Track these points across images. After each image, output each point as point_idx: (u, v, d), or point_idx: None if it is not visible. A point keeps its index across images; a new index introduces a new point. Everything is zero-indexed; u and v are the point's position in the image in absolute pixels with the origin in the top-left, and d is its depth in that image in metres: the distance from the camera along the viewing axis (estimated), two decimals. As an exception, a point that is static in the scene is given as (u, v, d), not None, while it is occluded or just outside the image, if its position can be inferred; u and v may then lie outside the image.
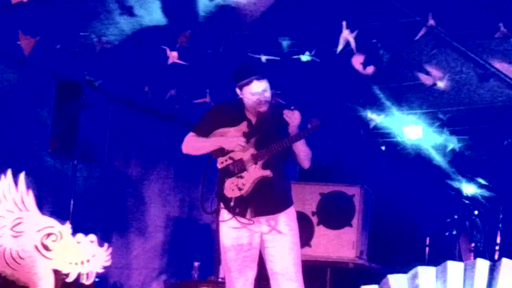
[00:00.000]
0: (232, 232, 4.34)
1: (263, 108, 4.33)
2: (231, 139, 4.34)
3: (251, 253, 4.35)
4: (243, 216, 4.30)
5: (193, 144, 4.47)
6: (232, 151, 4.35)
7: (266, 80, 4.31)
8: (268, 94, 4.32)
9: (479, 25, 4.70)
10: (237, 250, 4.33)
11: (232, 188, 4.32)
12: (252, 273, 4.37)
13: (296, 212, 4.52)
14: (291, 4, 4.76)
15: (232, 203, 4.29)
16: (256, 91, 4.28)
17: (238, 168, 4.33)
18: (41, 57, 5.32)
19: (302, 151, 4.37)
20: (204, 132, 4.45)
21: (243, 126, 4.37)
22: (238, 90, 4.37)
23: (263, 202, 4.31)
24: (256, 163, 4.31)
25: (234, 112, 4.43)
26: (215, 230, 4.53)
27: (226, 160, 4.37)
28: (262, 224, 4.34)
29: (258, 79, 4.28)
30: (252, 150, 4.32)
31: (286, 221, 4.35)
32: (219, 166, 4.39)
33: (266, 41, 5.17)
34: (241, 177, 4.31)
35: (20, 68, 5.61)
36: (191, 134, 4.49)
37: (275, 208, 4.34)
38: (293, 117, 4.27)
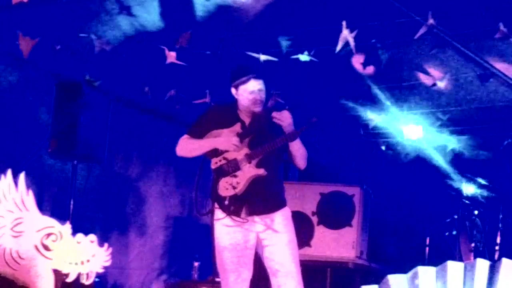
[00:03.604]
0: (226, 231, 4.35)
1: (258, 108, 4.36)
2: (225, 140, 4.36)
3: (246, 253, 4.35)
4: (238, 215, 4.31)
5: (187, 146, 4.48)
6: (226, 151, 4.37)
7: (262, 81, 4.35)
8: (263, 94, 4.36)
9: (479, 25, 4.70)
10: (232, 250, 4.34)
11: (226, 187, 4.33)
12: (247, 273, 4.37)
13: (296, 212, 4.54)
14: (290, 4, 4.76)
15: (226, 202, 4.30)
16: (253, 89, 4.32)
17: (232, 167, 4.34)
18: (41, 57, 5.32)
19: (297, 150, 4.39)
20: (198, 134, 4.46)
21: (237, 127, 4.39)
22: (233, 90, 4.39)
23: (257, 201, 4.33)
24: (250, 162, 4.33)
25: (227, 114, 4.45)
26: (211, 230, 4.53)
27: (220, 161, 4.38)
28: (257, 223, 4.35)
29: (255, 78, 4.33)
30: (246, 150, 4.35)
31: (281, 220, 4.37)
32: (213, 166, 4.40)
33: (266, 41, 5.17)
34: (235, 176, 4.33)
35: (20, 68, 5.61)
36: (185, 136, 4.50)
37: (269, 207, 4.36)
38: (282, 118, 4.30)
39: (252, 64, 4.75)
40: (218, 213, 4.37)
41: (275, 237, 4.33)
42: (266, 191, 4.35)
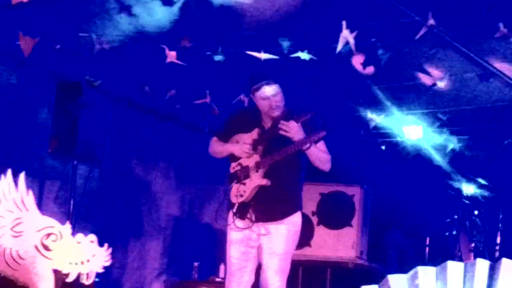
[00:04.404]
0: (234, 234, 4.47)
1: (276, 113, 4.42)
2: (239, 146, 4.45)
3: (248, 257, 4.46)
4: (243, 220, 4.43)
5: (213, 148, 4.67)
6: (241, 157, 4.45)
7: (277, 85, 4.39)
8: (279, 98, 4.40)
9: (479, 25, 4.69)
10: (236, 252, 4.46)
11: (235, 194, 4.45)
12: (248, 276, 4.47)
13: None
14: (291, 4, 4.76)
15: (235, 208, 4.41)
16: (266, 95, 4.37)
17: (243, 174, 4.44)
18: (41, 57, 5.32)
19: (314, 156, 4.40)
20: (224, 137, 4.61)
21: (254, 133, 4.47)
22: (252, 97, 4.49)
23: (262, 209, 4.41)
24: (257, 171, 4.37)
25: (250, 118, 4.55)
26: (216, 230, 4.63)
27: (236, 166, 4.50)
28: (260, 230, 4.43)
29: (268, 83, 4.37)
30: (257, 158, 4.41)
31: (284, 231, 4.42)
32: (231, 171, 4.53)
33: (266, 41, 5.17)
34: (244, 184, 4.42)
35: (20, 68, 5.61)
36: (214, 138, 4.67)
37: (274, 216, 4.42)
38: (288, 129, 4.32)
39: (264, 70, 4.77)
40: (229, 217, 4.49)
41: (271, 248, 4.40)
42: (271, 200, 4.41)
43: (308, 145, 4.28)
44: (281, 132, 4.34)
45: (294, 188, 4.52)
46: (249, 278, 4.48)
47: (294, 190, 4.51)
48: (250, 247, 4.44)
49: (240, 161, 4.47)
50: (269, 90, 4.36)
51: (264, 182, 4.36)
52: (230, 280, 4.49)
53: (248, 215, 4.40)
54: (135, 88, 6.12)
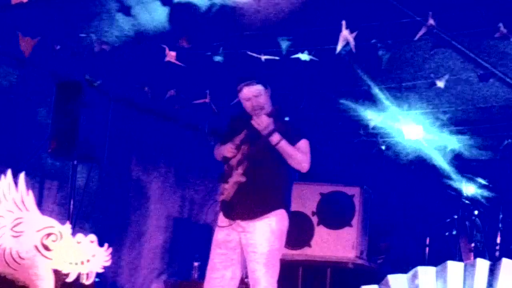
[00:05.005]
0: (217, 232, 4.55)
1: (258, 114, 4.43)
2: (225, 147, 4.49)
3: (228, 255, 4.49)
4: (226, 218, 4.52)
5: (215, 152, 4.74)
6: (231, 158, 4.51)
7: (258, 86, 4.42)
8: (261, 100, 4.43)
9: (479, 25, 4.69)
10: (216, 248, 4.52)
11: (220, 192, 4.55)
12: (227, 273, 4.49)
13: (296, 212, 4.60)
14: (291, 4, 4.76)
15: (219, 206, 4.55)
16: (247, 96, 4.44)
17: (228, 174, 4.51)
18: (41, 57, 5.32)
19: (283, 153, 4.45)
20: (225, 140, 4.66)
21: (243, 134, 4.50)
22: None
23: (241, 206, 4.46)
24: (237, 169, 4.42)
25: (244, 120, 4.58)
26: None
27: (226, 166, 4.57)
28: (240, 227, 4.47)
29: (247, 85, 4.43)
30: (239, 157, 4.44)
31: (264, 229, 4.42)
32: (224, 171, 4.58)
33: (266, 41, 5.17)
34: (227, 182, 4.48)
35: (20, 68, 5.61)
36: (218, 143, 4.75)
37: (252, 213, 4.45)
38: (258, 122, 4.39)
39: (251, 71, 4.80)
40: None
41: (253, 246, 4.41)
42: (250, 197, 4.45)
43: (274, 138, 4.29)
44: (254, 125, 4.40)
45: (276, 185, 4.53)
46: (229, 274, 4.48)
47: (275, 188, 4.52)
48: (231, 248, 4.47)
49: (229, 161, 4.54)
50: (249, 92, 4.43)
51: (240, 178, 4.44)
52: (208, 281, 4.52)
53: (230, 213, 4.46)
54: (135, 88, 6.12)
